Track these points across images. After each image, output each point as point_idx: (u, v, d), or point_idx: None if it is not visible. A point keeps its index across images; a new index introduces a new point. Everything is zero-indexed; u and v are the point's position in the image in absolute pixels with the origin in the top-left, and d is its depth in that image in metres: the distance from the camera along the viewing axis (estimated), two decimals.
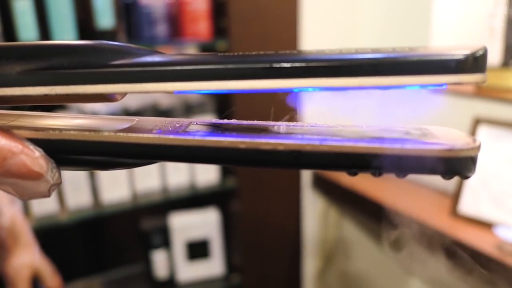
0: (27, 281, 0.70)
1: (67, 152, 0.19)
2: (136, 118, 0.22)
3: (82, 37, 1.00)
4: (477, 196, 0.91)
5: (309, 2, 1.19)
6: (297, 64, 0.17)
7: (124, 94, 0.20)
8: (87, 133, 0.19)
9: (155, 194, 1.17)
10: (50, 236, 1.24)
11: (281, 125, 0.21)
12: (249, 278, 1.33)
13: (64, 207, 1.08)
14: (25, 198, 0.19)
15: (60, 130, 0.19)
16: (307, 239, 1.42)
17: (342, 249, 1.45)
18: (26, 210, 1.04)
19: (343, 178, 1.22)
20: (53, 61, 0.18)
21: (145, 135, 0.19)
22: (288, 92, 0.18)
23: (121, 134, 0.19)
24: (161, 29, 1.07)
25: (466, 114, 0.97)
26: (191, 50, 1.21)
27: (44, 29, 0.96)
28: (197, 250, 1.27)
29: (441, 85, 0.17)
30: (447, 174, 0.18)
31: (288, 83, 0.17)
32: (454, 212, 0.94)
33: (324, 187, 1.31)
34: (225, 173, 1.24)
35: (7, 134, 0.18)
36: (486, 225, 0.88)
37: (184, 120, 0.22)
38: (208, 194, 1.24)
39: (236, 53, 0.18)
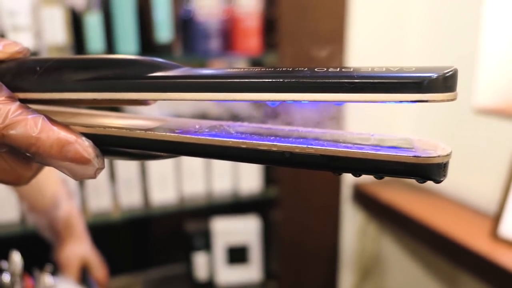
0: (76, 270, 0.75)
1: (108, 144, 0.25)
2: (168, 119, 0.28)
3: (142, 49, 1.08)
4: None
5: (357, 20, 1.22)
6: (288, 80, 0.20)
7: (155, 100, 0.25)
8: (124, 130, 0.24)
9: (200, 199, 1.23)
10: (101, 232, 1.32)
11: (283, 129, 0.25)
12: (286, 285, 1.36)
13: (117, 205, 1.16)
14: (76, 178, 0.24)
15: (104, 127, 0.24)
16: (344, 252, 1.43)
17: (380, 265, 1.45)
18: (83, 206, 1.12)
19: (383, 193, 1.23)
20: (101, 72, 0.24)
21: (167, 133, 0.23)
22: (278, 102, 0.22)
23: (149, 132, 0.24)
24: (215, 43, 1.14)
25: None
26: (241, 64, 1.27)
27: (110, 42, 1.05)
28: (237, 255, 1.31)
29: (413, 102, 0.19)
30: (416, 178, 0.20)
31: (276, 96, 0.21)
32: (494, 234, 0.93)
33: (364, 201, 1.33)
34: (267, 182, 1.29)
35: (65, 128, 0.23)
36: None
37: (204, 122, 0.27)
38: (250, 201, 1.28)
39: (233, 68, 0.22)
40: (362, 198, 1.33)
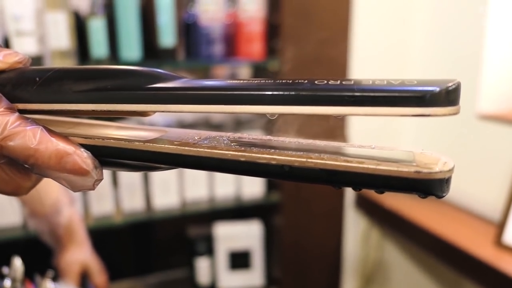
0: (76, 276, 0.76)
1: (107, 156, 0.24)
2: (168, 129, 0.27)
3: (146, 53, 1.09)
4: None
5: (360, 25, 1.22)
6: (285, 92, 0.20)
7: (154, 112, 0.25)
8: (122, 142, 0.24)
9: (202, 203, 1.23)
10: (103, 236, 1.33)
11: (283, 141, 0.25)
12: None
13: (120, 210, 1.16)
14: (75, 190, 0.24)
15: (103, 138, 0.24)
16: (347, 258, 1.42)
17: (383, 271, 1.44)
18: (86, 211, 1.12)
19: (386, 199, 1.23)
20: (100, 83, 0.23)
21: (166, 145, 0.23)
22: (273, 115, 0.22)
23: (148, 144, 0.24)
24: (218, 48, 1.14)
25: None
26: (244, 69, 1.27)
27: (113, 46, 1.06)
28: (239, 260, 1.31)
29: (415, 116, 0.18)
30: (418, 193, 0.20)
31: (278, 109, 0.20)
32: (498, 241, 0.92)
33: (367, 207, 1.32)
34: (269, 187, 1.28)
35: (64, 139, 0.23)
36: None
37: (204, 133, 0.26)
38: (252, 207, 1.28)
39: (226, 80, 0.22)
40: (365, 204, 1.32)
